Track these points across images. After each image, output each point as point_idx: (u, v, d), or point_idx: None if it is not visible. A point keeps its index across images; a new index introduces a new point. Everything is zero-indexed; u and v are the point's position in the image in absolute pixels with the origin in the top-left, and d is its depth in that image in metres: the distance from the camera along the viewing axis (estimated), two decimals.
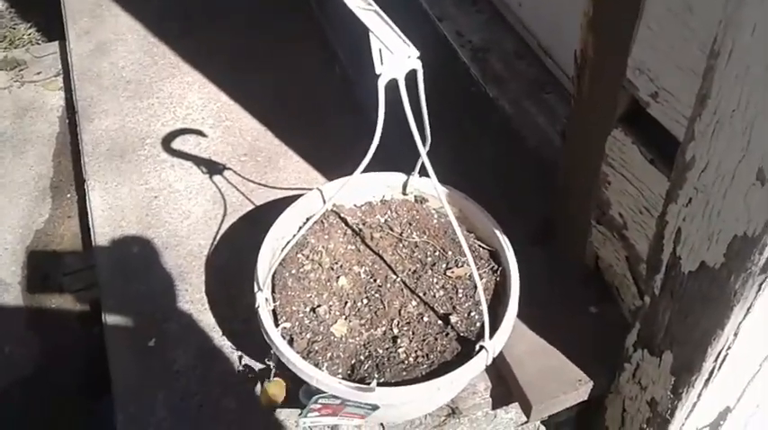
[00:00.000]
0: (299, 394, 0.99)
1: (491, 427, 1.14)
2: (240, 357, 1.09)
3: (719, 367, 0.79)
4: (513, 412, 1.12)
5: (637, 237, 0.92)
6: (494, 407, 1.09)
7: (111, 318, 1.16)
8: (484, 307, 0.86)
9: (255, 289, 0.92)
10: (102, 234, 1.30)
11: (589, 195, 0.99)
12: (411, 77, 0.80)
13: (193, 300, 1.18)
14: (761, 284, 0.67)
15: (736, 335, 0.74)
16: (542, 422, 1.18)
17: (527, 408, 1.00)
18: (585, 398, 1.03)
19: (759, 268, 0.66)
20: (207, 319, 1.15)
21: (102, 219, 1.32)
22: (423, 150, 0.82)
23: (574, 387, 1.00)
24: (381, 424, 1.05)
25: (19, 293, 1.57)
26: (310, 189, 1.14)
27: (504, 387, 1.06)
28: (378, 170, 1.08)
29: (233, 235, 1.27)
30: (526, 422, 1.14)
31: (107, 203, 1.35)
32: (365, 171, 1.07)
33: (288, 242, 1.02)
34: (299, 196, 1.08)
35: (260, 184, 1.36)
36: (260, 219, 1.29)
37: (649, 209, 0.87)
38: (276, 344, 0.87)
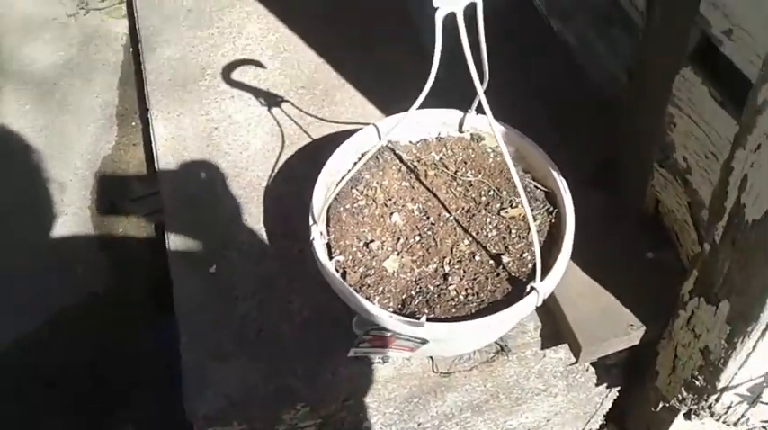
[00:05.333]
0: (353, 325, 1.02)
1: (540, 366, 1.15)
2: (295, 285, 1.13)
3: None
4: (562, 352, 1.13)
5: (700, 182, 0.89)
6: (543, 347, 1.10)
7: (174, 244, 1.21)
8: (536, 247, 0.85)
9: (311, 222, 0.94)
10: (166, 163, 1.33)
11: (653, 137, 0.95)
12: (471, 11, 0.78)
13: (252, 230, 1.22)
14: None
15: None
16: (592, 364, 1.18)
17: (576, 350, 1.00)
18: (637, 343, 1.02)
19: None
20: (265, 249, 1.19)
21: (165, 149, 1.36)
22: (480, 88, 0.80)
23: (625, 331, 1.00)
24: (430, 357, 1.08)
25: (89, 218, 1.65)
26: (367, 124, 1.14)
27: (555, 327, 1.06)
28: (435, 106, 1.07)
29: (290, 167, 1.29)
30: (575, 363, 1.15)
31: (170, 133, 1.38)
32: (421, 107, 1.06)
33: (343, 176, 1.03)
34: (355, 131, 1.08)
35: (317, 118, 1.37)
36: (316, 153, 1.30)
37: (715, 153, 0.84)
38: (330, 275, 0.89)
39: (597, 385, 1.25)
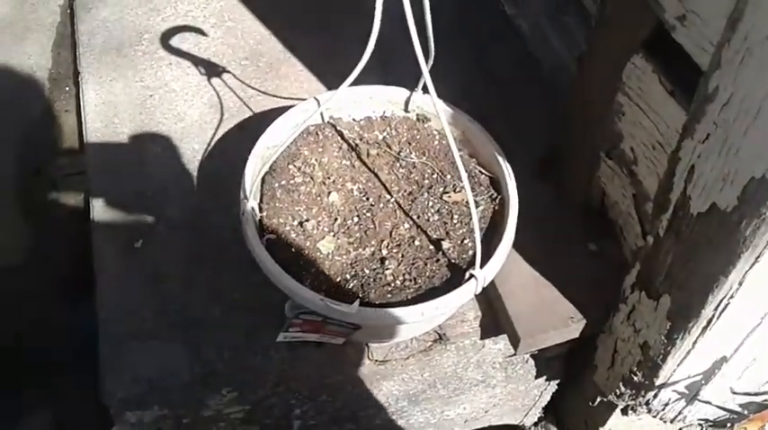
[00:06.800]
0: (285, 308, 0.97)
1: (478, 357, 1.12)
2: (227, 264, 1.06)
3: (719, 316, 0.75)
4: (501, 343, 1.10)
5: (646, 173, 0.86)
6: (482, 337, 1.07)
7: (98, 216, 1.13)
8: (477, 233, 0.81)
9: (242, 197, 0.88)
10: (94, 130, 1.25)
11: (601, 127, 0.93)
12: None
13: (183, 206, 1.15)
14: None
15: (740, 284, 0.70)
16: (532, 356, 1.16)
17: (515, 341, 0.98)
18: (576, 336, 1.00)
19: None
20: (196, 225, 1.12)
21: (94, 115, 1.27)
22: (423, 64, 0.75)
23: (565, 323, 0.98)
24: (366, 344, 1.04)
25: (12, 185, 1.55)
26: None
27: (494, 318, 1.03)
28: (387, 83, 1.03)
29: (227, 142, 1.22)
30: (514, 354, 1.12)
31: (100, 98, 1.30)
32: (370, 83, 1.02)
33: (280, 152, 0.97)
34: None
35: (259, 91, 1.30)
36: (256, 128, 1.22)
37: (663, 144, 0.81)
38: (259, 254, 0.84)
39: (536, 378, 1.23)
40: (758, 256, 0.65)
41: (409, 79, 1.01)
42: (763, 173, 0.60)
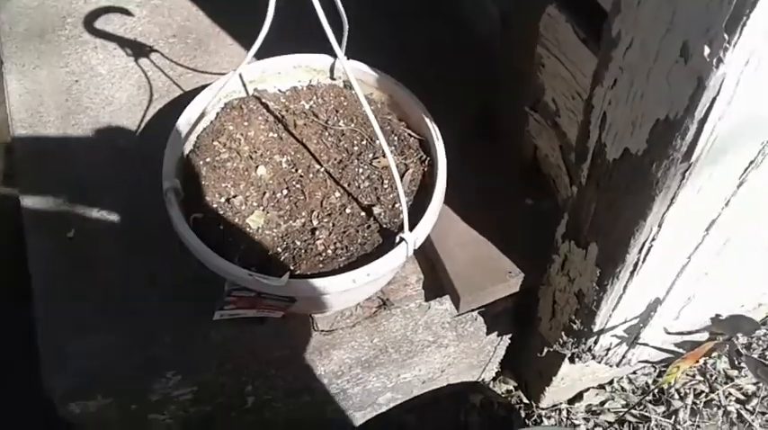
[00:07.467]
0: (225, 287, 0.96)
1: (426, 318, 1.12)
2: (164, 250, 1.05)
3: (644, 259, 0.76)
4: (447, 304, 1.10)
5: (568, 124, 0.86)
6: (426, 299, 1.07)
7: (29, 209, 1.10)
8: (401, 196, 0.80)
9: (163, 177, 0.86)
10: (20, 121, 1.21)
11: (526, 81, 0.92)
12: None
13: (115, 191, 1.12)
14: (684, 173, 0.63)
15: (660, 226, 0.71)
16: (480, 313, 1.17)
17: (456, 300, 0.98)
18: (516, 290, 1.01)
19: (681, 155, 0.61)
20: (129, 210, 1.10)
21: (19, 105, 1.23)
22: (326, 24, 0.72)
23: (503, 279, 0.98)
24: (310, 315, 1.03)
25: None
26: None
27: (436, 279, 1.03)
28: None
29: (158, 122, 1.19)
30: (459, 314, 1.13)
31: (24, 88, 1.25)
32: (299, 52, 0.99)
33: (203, 128, 0.95)
34: None
35: (188, 68, 1.27)
36: (187, 106, 1.21)
37: (581, 93, 0.81)
38: (184, 234, 0.82)
39: (488, 334, 1.24)
40: (672, 198, 0.65)
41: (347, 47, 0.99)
42: (666, 114, 0.60)
